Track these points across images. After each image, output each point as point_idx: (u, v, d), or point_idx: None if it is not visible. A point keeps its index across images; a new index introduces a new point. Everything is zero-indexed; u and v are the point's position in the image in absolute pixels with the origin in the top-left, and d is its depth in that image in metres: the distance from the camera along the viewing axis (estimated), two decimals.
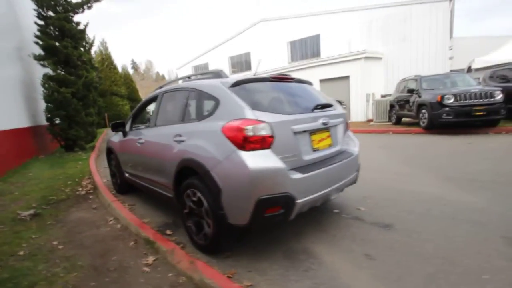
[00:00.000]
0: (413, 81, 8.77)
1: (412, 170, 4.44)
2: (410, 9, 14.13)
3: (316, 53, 17.65)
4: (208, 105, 2.35)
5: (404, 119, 10.06)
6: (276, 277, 1.98)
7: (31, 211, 3.59)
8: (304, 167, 2.16)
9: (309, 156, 2.24)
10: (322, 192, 2.22)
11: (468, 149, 5.56)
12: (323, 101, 2.65)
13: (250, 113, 2.00)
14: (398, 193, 3.44)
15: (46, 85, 7.66)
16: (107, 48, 25.37)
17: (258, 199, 1.88)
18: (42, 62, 7.80)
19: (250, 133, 1.93)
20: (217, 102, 2.22)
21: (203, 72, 2.75)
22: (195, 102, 2.50)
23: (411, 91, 8.47)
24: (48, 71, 7.99)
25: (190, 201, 2.36)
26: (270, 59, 19.31)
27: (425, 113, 7.53)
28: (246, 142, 1.92)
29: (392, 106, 10.29)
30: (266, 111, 2.09)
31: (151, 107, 3.90)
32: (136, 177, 3.59)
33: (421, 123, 7.85)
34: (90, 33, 9.24)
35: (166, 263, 2.20)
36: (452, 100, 6.79)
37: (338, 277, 1.93)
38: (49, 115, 8.00)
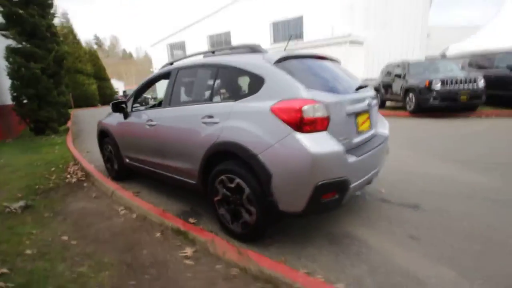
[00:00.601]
0: (399, 66, 8.99)
1: (411, 152, 4.58)
2: None
3: (299, 36, 17.43)
4: (246, 83, 2.14)
5: (388, 103, 10.40)
6: (329, 263, 1.92)
7: (21, 203, 3.16)
8: (353, 150, 2.06)
9: (357, 139, 2.15)
10: (368, 175, 2.16)
11: (457, 131, 5.88)
12: (360, 81, 2.54)
13: (305, 92, 1.84)
14: (407, 175, 3.51)
15: (11, 59, 6.67)
16: (69, 20, 22.94)
17: (316, 184, 1.77)
18: (3, 32, 6.73)
19: (308, 114, 1.77)
20: (260, 80, 2.01)
21: (233, 46, 2.47)
22: (228, 80, 2.26)
23: (398, 75, 8.69)
24: (11, 42, 6.95)
25: (224, 188, 2.19)
26: (251, 40, 18.71)
27: (413, 97, 7.81)
28: (303, 124, 1.77)
29: (377, 90, 10.55)
30: (318, 90, 1.93)
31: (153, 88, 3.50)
32: (143, 162, 3.28)
33: (407, 107, 8.15)
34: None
35: (208, 255, 2.03)
36: (439, 85, 7.08)
37: (392, 259, 1.92)
38: (15, 94, 7.05)
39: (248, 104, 2.03)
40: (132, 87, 51.93)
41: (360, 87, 2.39)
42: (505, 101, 7.46)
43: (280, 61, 2.04)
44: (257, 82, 2.04)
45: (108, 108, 3.82)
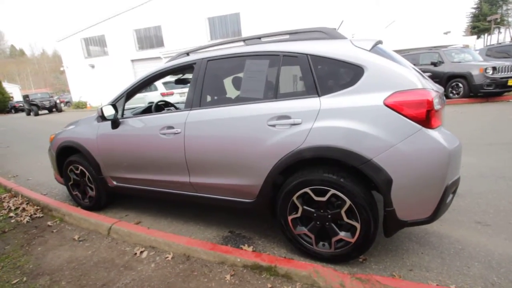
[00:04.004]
0: None
1: None
2: None
3: (237, 33, 17.21)
4: (335, 74, 1.79)
5: None
6: (443, 268, 1.78)
7: None
8: None
9: None
10: None
11: None
12: None
13: (420, 82, 1.62)
14: None
15: None
16: None
17: (447, 184, 1.60)
18: None
19: (436, 107, 1.57)
20: (358, 70, 1.70)
21: (295, 31, 2.03)
22: (302, 71, 1.84)
23: None
24: None
25: (306, 203, 1.84)
26: (186, 35, 17.56)
27: None
28: (432, 118, 1.56)
29: None
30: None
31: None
32: (149, 183, 2.54)
33: None
34: None
35: None
36: None
37: (491, 250, 1.90)
38: None
39: (346, 99, 1.69)
40: (31, 91, 42.53)
41: None
42: None
43: (375, 46, 1.78)
44: (353, 73, 1.72)
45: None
